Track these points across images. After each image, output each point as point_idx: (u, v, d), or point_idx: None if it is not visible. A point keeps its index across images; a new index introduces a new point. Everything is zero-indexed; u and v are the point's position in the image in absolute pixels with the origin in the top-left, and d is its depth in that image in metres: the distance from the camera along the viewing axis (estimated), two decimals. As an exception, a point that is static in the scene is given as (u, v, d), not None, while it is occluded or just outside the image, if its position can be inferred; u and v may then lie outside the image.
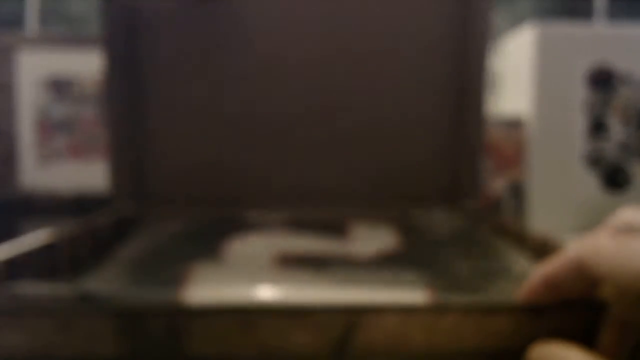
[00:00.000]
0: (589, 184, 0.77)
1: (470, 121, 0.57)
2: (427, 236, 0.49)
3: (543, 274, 0.27)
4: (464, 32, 0.55)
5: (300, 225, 0.49)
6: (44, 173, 0.81)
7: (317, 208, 0.54)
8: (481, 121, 0.57)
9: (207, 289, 0.31)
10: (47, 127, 0.90)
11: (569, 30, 0.80)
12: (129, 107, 0.55)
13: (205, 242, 0.42)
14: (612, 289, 0.25)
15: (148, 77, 0.54)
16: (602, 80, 0.78)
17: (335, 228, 0.49)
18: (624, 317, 0.26)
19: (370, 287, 0.32)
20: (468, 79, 0.56)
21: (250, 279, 0.32)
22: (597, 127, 0.79)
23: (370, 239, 0.45)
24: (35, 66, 0.94)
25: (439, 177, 0.58)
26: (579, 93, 0.78)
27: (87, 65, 0.77)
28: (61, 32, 1.09)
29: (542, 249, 0.41)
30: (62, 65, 0.94)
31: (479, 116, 0.56)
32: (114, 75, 0.53)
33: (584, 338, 0.26)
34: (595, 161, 0.78)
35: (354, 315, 0.25)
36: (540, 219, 0.77)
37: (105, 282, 0.31)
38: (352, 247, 0.43)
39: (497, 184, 0.78)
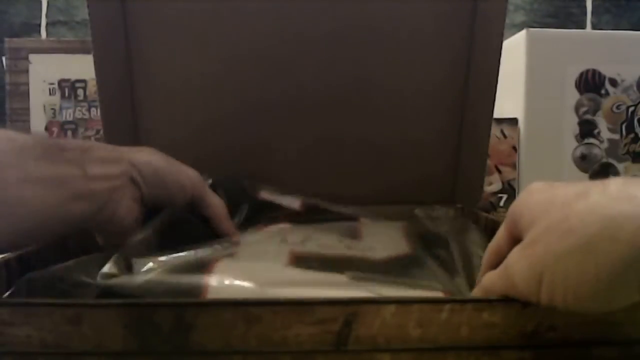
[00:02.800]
0: (580, 184, 0.78)
1: (478, 124, 0.56)
2: (432, 238, 0.48)
3: (489, 249, 0.32)
4: (476, 31, 0.54)
5: (311, 216, 0.48)
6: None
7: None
8: (489, 125, 0.56)
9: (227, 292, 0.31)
10: (57, 127, 0.92)
11: (560, 35, 0.81)
12: (124, 101, 0.55)
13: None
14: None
15: (141, 71, 0.54)
16: (593, 84, 0.79)
17: (349, 230, 0.47)
18: None
19: (390, 290, 0.31)
20: (477, 81, 0.55)
21: (269, 282, 0.31)
22: (587, 129, 0.80)
23: (381, 239, 0.44)
24: (46, 70, 0.95)
25: (443, 181, 0.58)
26: (569, 96, 0.79)
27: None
28: (69, 39, 1.10)
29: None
30: (72, 69, 0.95)
31: (487, 120, 0.56)
32: (106, 72, 0.53)
33: (576, 329, 0.27)
34: (585, 162, 0.80)
35: (352, 308, 0.26)
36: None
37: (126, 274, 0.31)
38: (365, 247, 0.42)
39: (492, 182, 0.79)
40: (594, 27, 1.21)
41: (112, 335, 0.25)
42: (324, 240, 0.42)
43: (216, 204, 0.43)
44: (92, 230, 0.39)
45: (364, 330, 0.26)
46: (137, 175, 0.38)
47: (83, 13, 1.20)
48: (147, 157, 0.39)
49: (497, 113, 0.59)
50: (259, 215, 0.47)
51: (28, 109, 0.96)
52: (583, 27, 1.21)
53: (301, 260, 0.37)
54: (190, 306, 0.26)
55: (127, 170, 0.37)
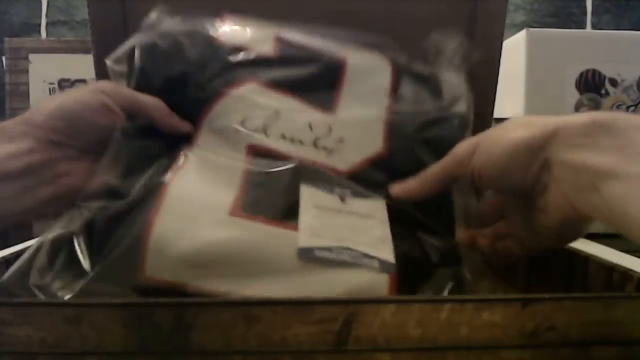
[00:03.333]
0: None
1: (478, 125, 0.55)
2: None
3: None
4: (476, 31, 0.54)
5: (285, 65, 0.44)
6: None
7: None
8: (489, 125, 0.55)
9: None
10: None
11: (560, 35, 0.81)
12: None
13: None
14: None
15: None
16: (593, 84, 0.80)
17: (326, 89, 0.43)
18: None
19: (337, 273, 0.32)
20: (477, 81, 0.55)
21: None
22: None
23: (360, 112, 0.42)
24: (46, 69, 0.96)
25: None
26: (569, 96, 0.79)
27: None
28: (69, 38, 1.11)
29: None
30: (72, 69, 0.96)
31: (487, 120, 0.55)
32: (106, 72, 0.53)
33: (576, 329, 0.27)
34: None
35: (352, 308, 0.26)
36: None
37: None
38: (335, 140, 0.40)
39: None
40: (594, 27, 1.22)
41: (112, 335, 0.25)
42: (290, 127, 0.39)
43: (151, 103, 0.39)
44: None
45: (364, 330, 0.26)
46: (54, 135, 0.35)
47: (83, 13, 1.21)
48: (48, 110, 0.36)
49: (497, 113, 0.58)
50: (223, 72, 0.42)
51: (28, 109, 0.97)
52: (583, 27, 1.22)
53: (250, 196, 0.35)
54: (190, 306, 0.26)
55: (41, 137, 0.34)
